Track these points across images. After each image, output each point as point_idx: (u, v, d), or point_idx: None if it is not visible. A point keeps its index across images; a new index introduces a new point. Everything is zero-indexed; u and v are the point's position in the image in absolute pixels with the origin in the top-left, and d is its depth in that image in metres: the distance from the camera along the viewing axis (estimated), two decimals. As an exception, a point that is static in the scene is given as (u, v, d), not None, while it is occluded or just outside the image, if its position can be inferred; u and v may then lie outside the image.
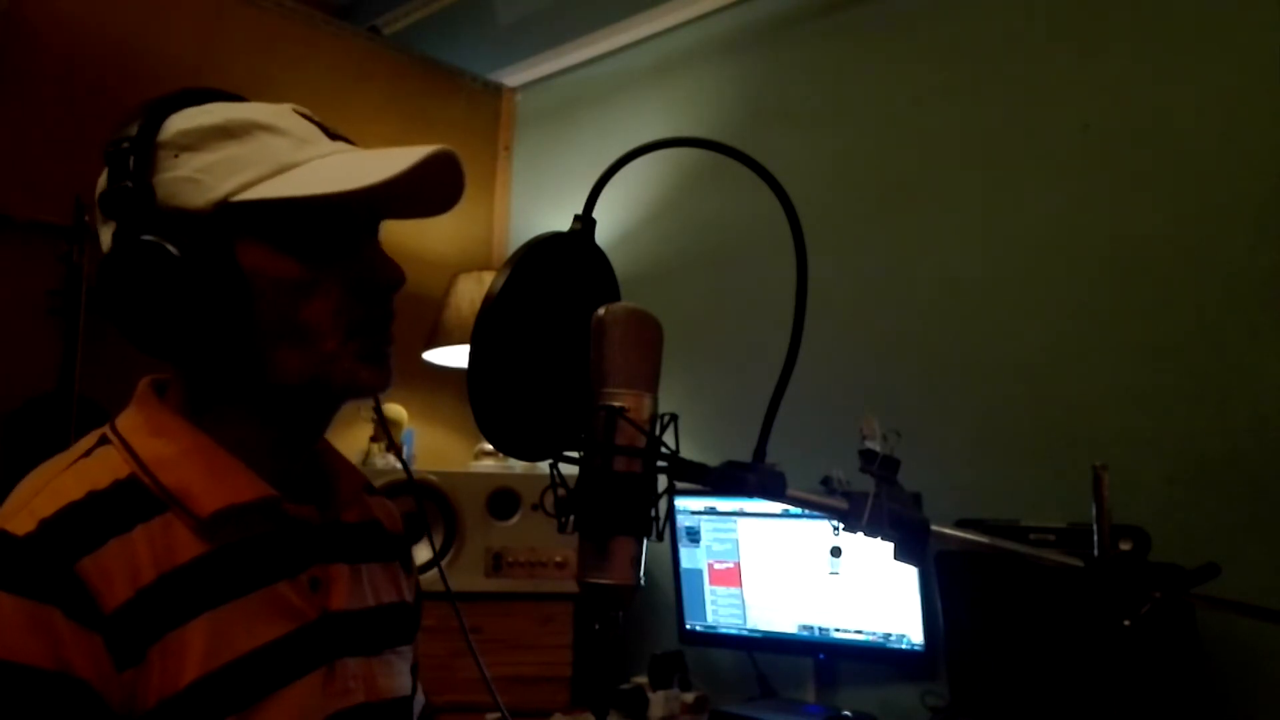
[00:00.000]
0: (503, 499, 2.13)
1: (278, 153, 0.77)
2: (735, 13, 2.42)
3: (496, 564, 2.09)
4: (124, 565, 0.71)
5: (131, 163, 0.75)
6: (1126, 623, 0.80)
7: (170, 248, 0.74)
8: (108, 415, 0.83)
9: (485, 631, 2.06)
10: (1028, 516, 1.62)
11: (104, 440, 0.80)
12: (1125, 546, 1.45)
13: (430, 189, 0.82)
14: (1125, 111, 1.80)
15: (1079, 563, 0.82)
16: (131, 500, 0.75)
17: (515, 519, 2.12)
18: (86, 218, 1.96)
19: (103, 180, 0.79)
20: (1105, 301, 1.79)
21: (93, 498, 0.73)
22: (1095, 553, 0.83)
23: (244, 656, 0.75)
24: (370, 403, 0.86)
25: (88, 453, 0.78)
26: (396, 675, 0.90)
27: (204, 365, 0.79)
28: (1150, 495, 1.64)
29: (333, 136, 0.82)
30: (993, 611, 1.64)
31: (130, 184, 0.74)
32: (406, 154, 0.76)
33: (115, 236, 0.75)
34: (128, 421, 0.81)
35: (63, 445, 0.81)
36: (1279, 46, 1.65)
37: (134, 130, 0.76)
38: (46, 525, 0.70)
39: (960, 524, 1.48)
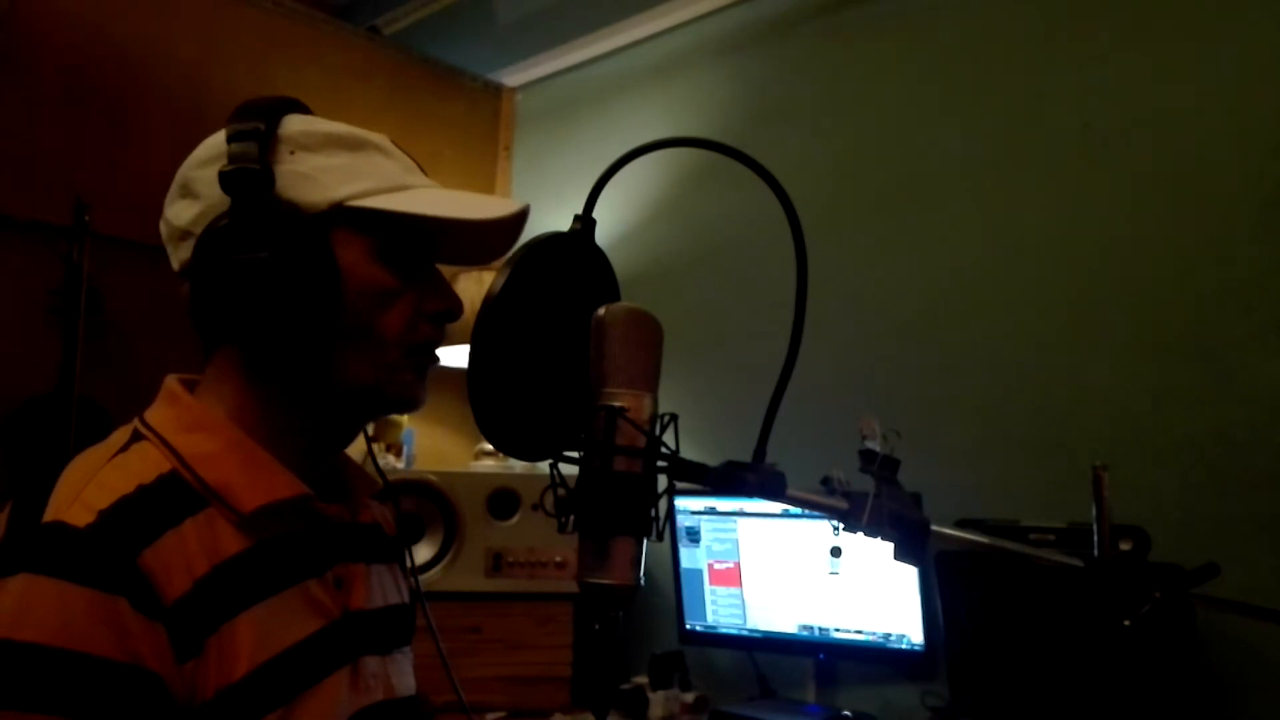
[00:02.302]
0: (503, 499, 2.13)
1: (391, 172, 0.84)
2: (735, 13, 2.42)
3: (496, 564, 2.09)
4: (179, 558, 0.72)
5: (257, 147, 0.78)
6: (1126, 623, 0.80)
7: (284, 234, 0.77)
8: (108, 415, 0.84)
9: (485, 631, 2.06)
10: (1028, 516, 1.62)
11: (137, 435, 0.80)
12: (1125, 546, 1.45)
13: (495, 240, 0.89)
14: (1125, 111, 1.80)
15: (1079, 563, 0.82)
16: (177, 495, 0.76)
17: (515, 519, 2.12)
18: (87, 217, 1.96)
19: (208, 155, 0.81)
20: (1105, 301, 1.79)
21: (142, 491, 0.74)
22: (1095, 553, 0.83)
23: (286, 651, 0.77)
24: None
25: (124, 448, 0.79)
26: (406, 674, 0.92)
27: (274, 352, 0.80)
28: (1150, 495, 1.65)
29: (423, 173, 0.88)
30: (993, 611, 1.64)
31: (258, 166, 0.77)
32: (501, 202, 0.86)
33: (232, 213, 0.78)
34: (159, 416, 0.82)
35: (63, 445, 0.81)
36: (1278, 45, 1.65)
37: (258, 121, 0.80)
38: (105, 516, 0.71)
39: (960, 524, 1.48)
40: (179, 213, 0.82)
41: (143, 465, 0.77)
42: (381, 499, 1.01)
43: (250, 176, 0.77)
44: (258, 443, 0.81)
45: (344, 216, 0.80)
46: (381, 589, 0.92)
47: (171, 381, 0.84)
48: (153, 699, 0.69)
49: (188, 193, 0.82)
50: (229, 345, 0.83)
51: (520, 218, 0.85)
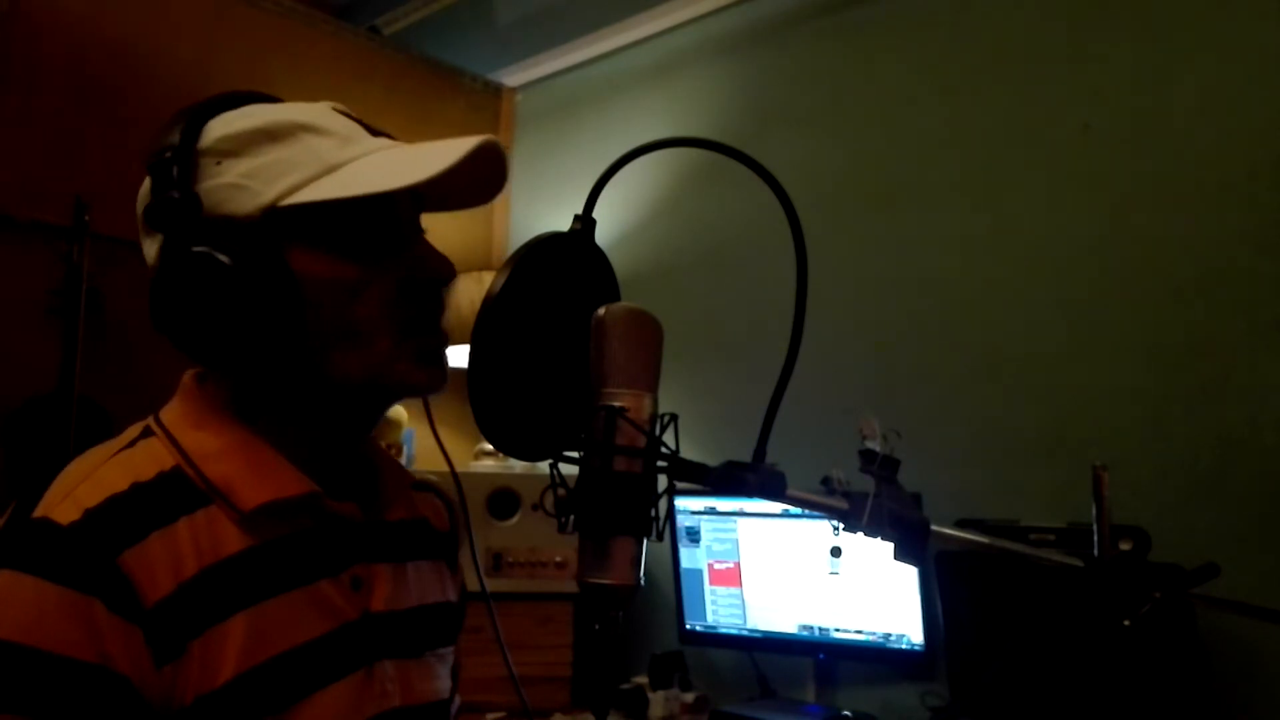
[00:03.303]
0: (503, 499, 2.13)
1: (322, 153, 0.76)
2: (735, 13, 2.42)
3: (496, 564, 2.10)
4: (166, 558, 0.71)
5: (175, 172, 0.73)
6: (1126, 623, 0.80)
7: (222, 257, 0.72)
8: (108, 415, 0.83)
9: (485, 631, 2.06)
10: (1028, 516, 1.62)
11: (148, 432, 0.79)
12: (1125, 546, 1.45)
13: (475, 180, 0.82)
14: (1125, 111, 1.80)
15: (1079, 563, 0.82)
16: (175, 492, 0.74)
17: (515, 519, 2.13)
18: (87, 217, 1.96)
19: (145, 191, 0.77)
20: (1104, 301, 1.79)
21: (137, 489, 0.73)
22: (1095, 553, 0.83)
23: (282, 655, 0.74)
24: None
25: (131, 443, 0.78)
26: (435, 678, 0.89)
27: (259, 372, 0.78)
28: (1150, 495, 1.64)
29: (374, 133, 0.82)
30: (993, 611, 1.64)
31: (177, 194, 0.73)
32: (452, 147, 0.75)
33: (164, 249, 0.74)
34: (171, 414, 0.80)
35: (63, 445, 0.80)
36: (1278, 46, 1.65)
37: (175, 139, 0.75)
38: (91, 515, 0.70)
39: (960, 524, 1.48)
40: (147, 250, 0.78)
41: (144, 462, 0.76)
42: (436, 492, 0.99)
43: (172, 207, 0.73)
44: (266, 440, 0.79)
45: (284, 217, 0.75)
46: (418, 587, 0.89)
47: (187, 377, 0.83)
48: (119, 701, 0.67)
49: (148, 230, 0.78)
50: None
51: (484, 153, 0.76)
